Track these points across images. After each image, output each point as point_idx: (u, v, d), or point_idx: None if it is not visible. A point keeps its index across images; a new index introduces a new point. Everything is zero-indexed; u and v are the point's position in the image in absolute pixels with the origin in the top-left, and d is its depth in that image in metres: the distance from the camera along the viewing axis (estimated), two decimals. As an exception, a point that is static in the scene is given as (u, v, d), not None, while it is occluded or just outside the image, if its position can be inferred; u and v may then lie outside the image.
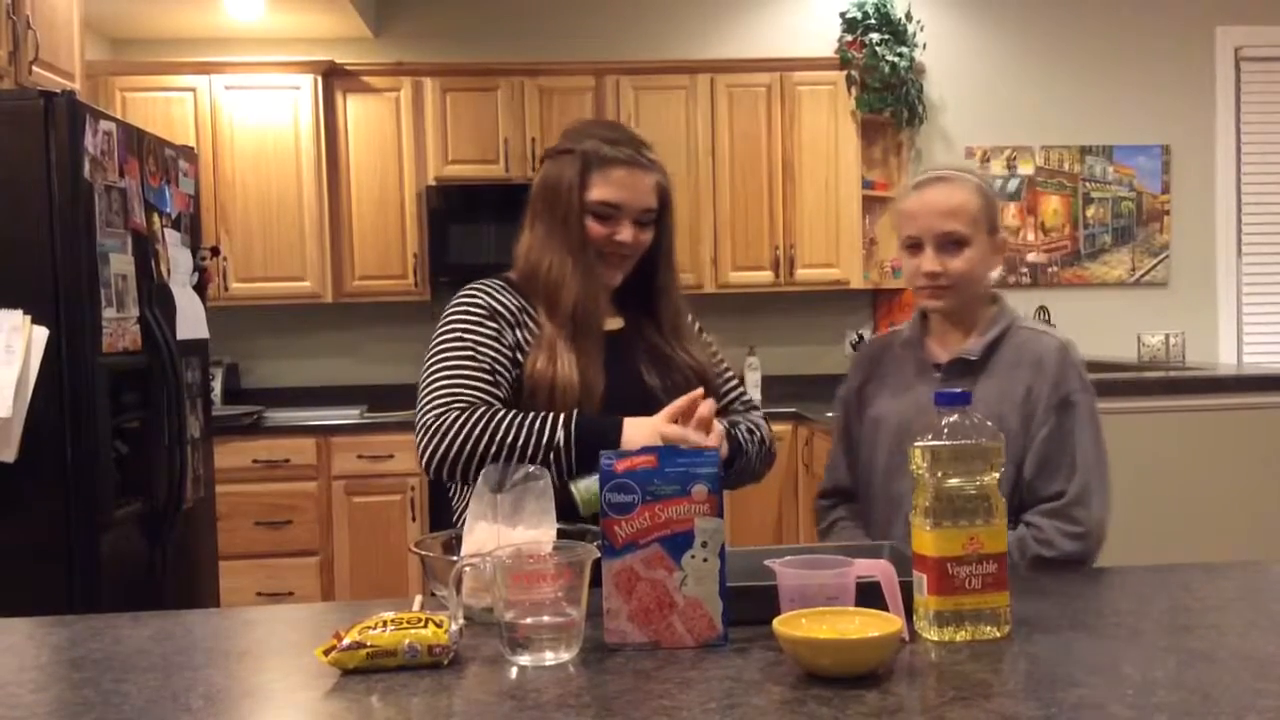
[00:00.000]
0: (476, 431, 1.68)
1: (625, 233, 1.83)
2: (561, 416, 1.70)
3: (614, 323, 1.91)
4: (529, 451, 1.67)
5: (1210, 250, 5.52)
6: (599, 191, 1.82)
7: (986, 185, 1.96)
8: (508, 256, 1.94)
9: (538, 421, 1.70)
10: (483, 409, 1.72)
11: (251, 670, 1.34)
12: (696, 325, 2.01)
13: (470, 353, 1.78)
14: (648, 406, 1.75)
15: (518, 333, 1.82)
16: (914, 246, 1.90)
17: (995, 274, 2.00)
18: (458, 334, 1.80)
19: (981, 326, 1.94)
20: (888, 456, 1.94)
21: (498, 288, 1.87)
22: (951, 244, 1.87)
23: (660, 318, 1.92)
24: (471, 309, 1.83)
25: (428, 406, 1.74)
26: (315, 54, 4.95)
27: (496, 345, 1.80)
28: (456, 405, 1.72)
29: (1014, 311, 1.98)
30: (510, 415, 1.70)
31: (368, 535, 4.57)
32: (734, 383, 2.02)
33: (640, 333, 1.91)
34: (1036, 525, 1.83)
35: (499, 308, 1.84)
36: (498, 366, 1.79)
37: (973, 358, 1.90)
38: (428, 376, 1.78)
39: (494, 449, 1.67)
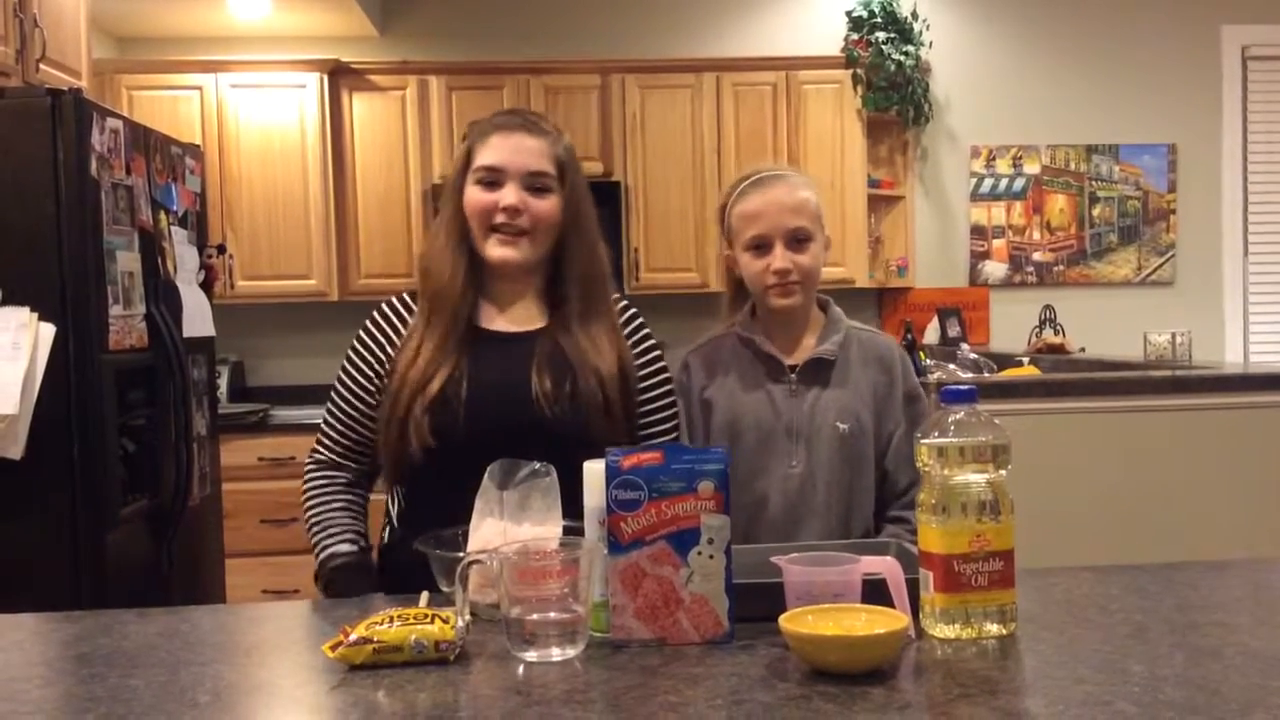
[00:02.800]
0: (305, 508, 1.94)
1: (510, 195, 1.74)
2: (330, 551, 1.86)
3: (535, 322, 1.82)
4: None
5: (1216, 249, 5.51)
6: (480, 159, 1.77)
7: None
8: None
9: (320, 533, 1.91)
10: (314, 492, 1.95)
11: (258, 666, 1.34)
12: (638, 321, 1.90)
13: (335, 399, 1.88)
14: (527, 413, 1.71)
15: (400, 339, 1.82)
16: (761, 246, 1.88)
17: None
18: (339, 374, 1.88)
19: (824, 328, 1.96)
20: (749, 459, 1.90)
21: (392, 304, 1.88)
22: (798, 241, 1.88)
23: (567, 297, 1.80)
24: (353, 344, 1.87)
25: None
26: (321, 53, 4.96)
27: (360, 381, 1.85)
28: (311, 467, 1.97)
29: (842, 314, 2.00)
30: (313, 513, 1.93)
31: (372, 533, 4.56)
32: (659, 390, 1.88)
33: (554, 334, 1.79)
34: (906, 520, 1.86)
35: (384, 326, 1.85)
36: (354, 409, 1.87)
37: (831, 358, 1.92)
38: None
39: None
